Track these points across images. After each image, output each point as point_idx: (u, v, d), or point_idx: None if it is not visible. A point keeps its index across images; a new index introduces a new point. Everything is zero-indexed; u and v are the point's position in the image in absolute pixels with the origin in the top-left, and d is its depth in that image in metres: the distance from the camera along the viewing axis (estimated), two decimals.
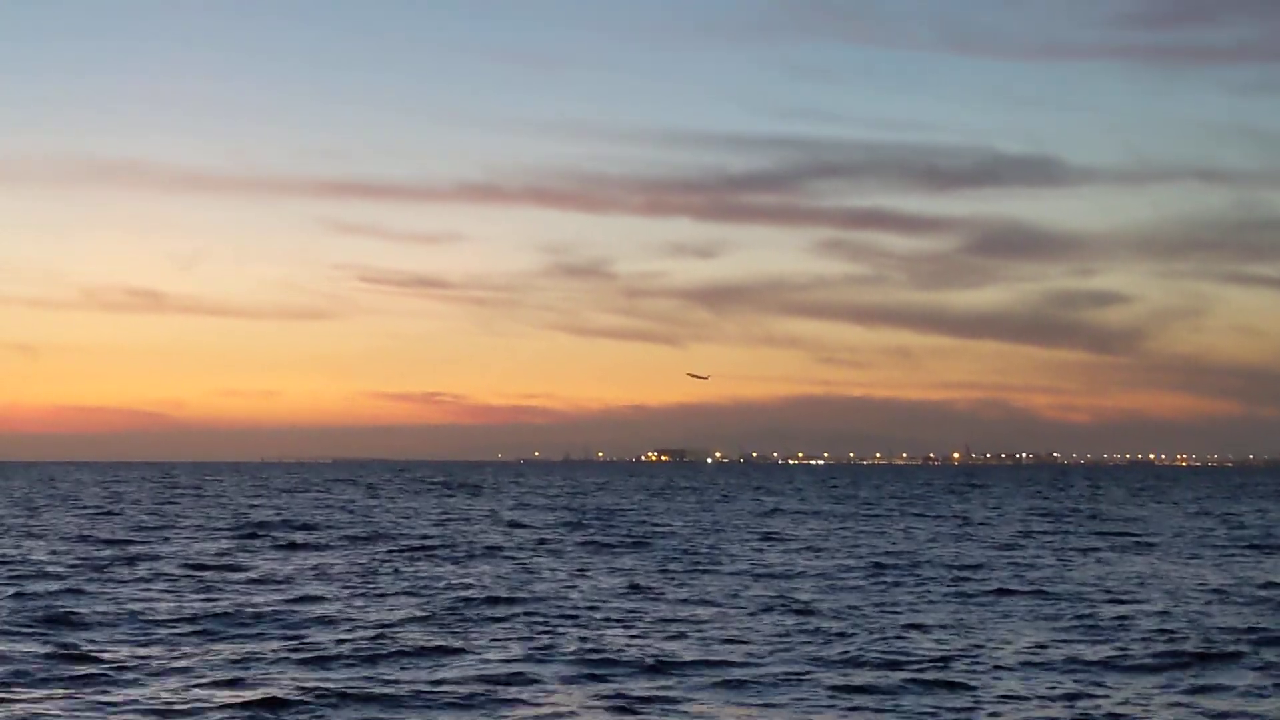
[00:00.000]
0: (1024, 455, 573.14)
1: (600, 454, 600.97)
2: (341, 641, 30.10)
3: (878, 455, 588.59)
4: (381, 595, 39.14)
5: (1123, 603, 38.36)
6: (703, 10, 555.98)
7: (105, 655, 28.28)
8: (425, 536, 64.19)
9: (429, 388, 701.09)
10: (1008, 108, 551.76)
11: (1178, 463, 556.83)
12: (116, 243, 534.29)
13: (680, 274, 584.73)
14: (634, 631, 31.97)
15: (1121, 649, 29.86)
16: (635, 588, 41.19)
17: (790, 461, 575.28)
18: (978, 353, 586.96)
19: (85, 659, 27.86)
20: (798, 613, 35.41)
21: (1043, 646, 30.14)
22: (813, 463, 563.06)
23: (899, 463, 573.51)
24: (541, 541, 60.95)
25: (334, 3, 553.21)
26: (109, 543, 58.81)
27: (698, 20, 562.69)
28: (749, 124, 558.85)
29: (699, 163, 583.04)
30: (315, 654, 28.62)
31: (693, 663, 27.75)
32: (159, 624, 32.79)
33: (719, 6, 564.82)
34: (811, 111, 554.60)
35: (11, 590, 39.18)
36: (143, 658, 28.12)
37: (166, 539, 61.94)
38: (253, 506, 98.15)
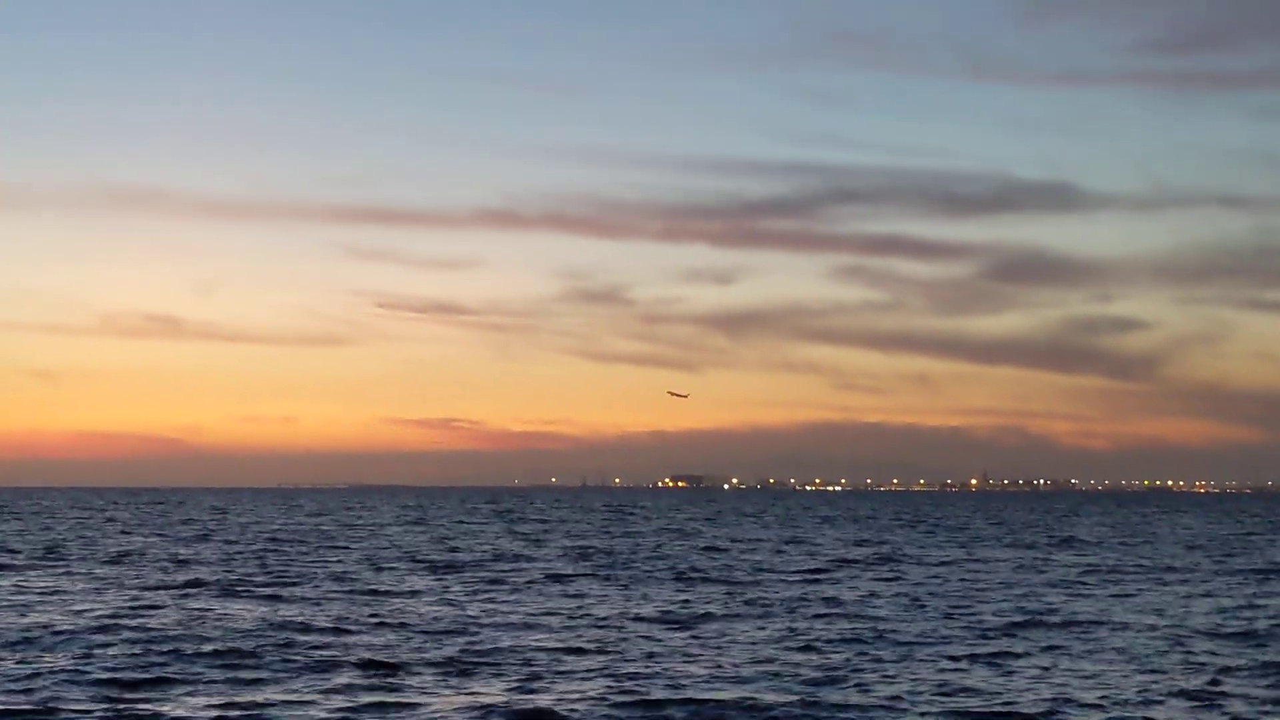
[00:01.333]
0: (1042, 482, 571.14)
1: (617, 480, 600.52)
2: (366, 665, 30.85)
3: (895, 481, 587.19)
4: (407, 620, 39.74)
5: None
6: (720, 37, 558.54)
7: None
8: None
9: (446, 414, 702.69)
10: (1026, 134, 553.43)
11: (1196, 490, 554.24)
12: (135, 269, 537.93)
13: (698, 300, 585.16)
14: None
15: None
16: None
17: (807, 487, 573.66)
18: (996, 379, 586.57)
19: None
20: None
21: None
22: (829, 489, 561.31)
23: (916, 489, 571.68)
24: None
25: (352, 30, 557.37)
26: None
27: (715, 47, 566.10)
28: (767, 150, 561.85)
29: (717, 189, 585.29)
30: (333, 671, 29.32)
31: None
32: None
33: (737, 34, 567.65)
34: (829, 137, 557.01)
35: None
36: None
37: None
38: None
